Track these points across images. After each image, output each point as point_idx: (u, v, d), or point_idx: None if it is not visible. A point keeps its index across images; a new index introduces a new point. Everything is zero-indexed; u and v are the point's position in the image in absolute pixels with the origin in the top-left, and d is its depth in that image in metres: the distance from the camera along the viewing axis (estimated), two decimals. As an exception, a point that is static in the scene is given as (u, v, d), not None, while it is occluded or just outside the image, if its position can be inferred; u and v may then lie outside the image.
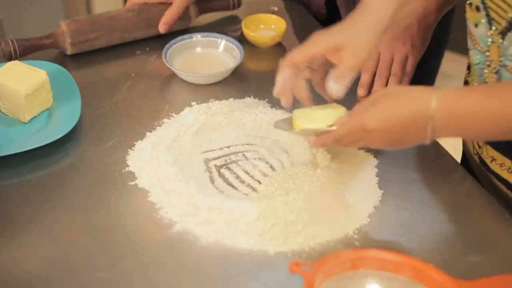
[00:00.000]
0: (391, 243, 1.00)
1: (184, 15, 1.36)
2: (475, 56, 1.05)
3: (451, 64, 1.87)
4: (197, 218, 1.01)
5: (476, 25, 1.02)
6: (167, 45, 1.31)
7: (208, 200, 1.02)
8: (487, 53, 1.02)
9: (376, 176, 1.10)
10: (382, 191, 1.08)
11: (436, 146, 1.16)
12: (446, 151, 1.15)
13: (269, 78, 1.31)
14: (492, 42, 1.00)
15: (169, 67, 1.27)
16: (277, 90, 1.07)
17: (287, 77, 1.06)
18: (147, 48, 1.37)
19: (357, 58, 1.01)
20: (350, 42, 1.01)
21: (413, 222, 1.03)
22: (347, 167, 1.10)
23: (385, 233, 1.02)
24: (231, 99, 1.23)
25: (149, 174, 1.08)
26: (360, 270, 0.91)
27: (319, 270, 0.87)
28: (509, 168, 1.07)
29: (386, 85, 1.26)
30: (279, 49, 1.39)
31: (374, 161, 1.13)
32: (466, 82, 1.15)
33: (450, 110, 0.89)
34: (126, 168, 1.10)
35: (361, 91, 1.24)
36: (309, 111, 1.04)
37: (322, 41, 1.03)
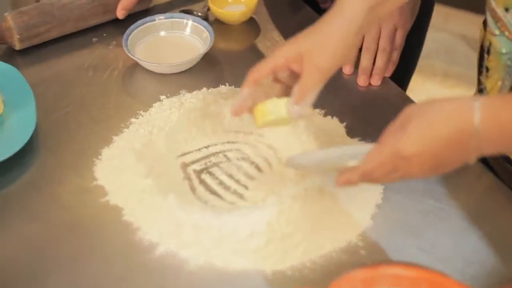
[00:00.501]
0: (400, 249, 0.89)
1: (143, -5, 1.22)
2: (503, 44, 0.92)
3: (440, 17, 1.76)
4: (181, 238, 0.89)
5: (507, 10, 0.88)
6: (127, 31, 1.16)
7: (191, 216, 0.90)
8: None
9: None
10: (383, 186, 0.97)
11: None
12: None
13: (242, 59, 1.20)
14: None
15: (132, 57, 1.13)
16: (233, 110, 0.93)
17: (247, 96, 0.92)
18: (104, 34, 1.22)
19: (319, 69, 0.88)
20: (313, 49, 0.88)
21: (422, 222, 0.93)
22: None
23: (392, 236, 0.91)
24: (204, 89, 1.10)
25: (121, 188, 0.95)
26: (373, 290, 0.81)
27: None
28: None
29: (374, 61, 1.14)
30: (251, 25, 1.25)
31: (370, 151, 1.02)
32: (487, 69, 0.99)
33: (496, 121, 0.75)
34: (94, 182, 0.97)
35: (360, 80, 1.13)
36: (269, 102, 0.91)
37: (284, 50, 0.90)
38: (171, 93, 1.10)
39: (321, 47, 0.89)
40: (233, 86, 1.11)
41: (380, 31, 1.14)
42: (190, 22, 1.19)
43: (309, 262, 0.88)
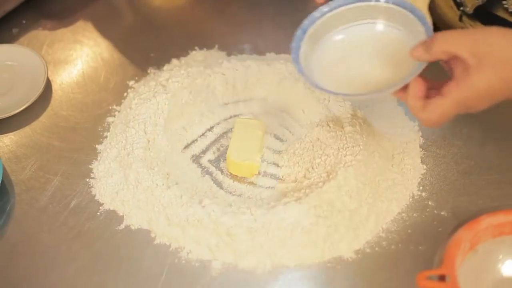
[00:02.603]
0: (465, 188, 0.81)
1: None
2: None
3: None
4: (236, 247, 0.76)
5: None
6: (296, 38, 0.74)
7: (239, 218, 0.76)
8: None
9: (399, 105, 0.89)
10: (416, 123, 0.87)
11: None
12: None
13: (194, 16, 1.03)
14: None
15: (322, 90, 0.74)
16: None
17: None
18: (24, 21, 1.02)
19: None
20: None
21: (474, 151, 0.84)
22: (370, 108, 0.88)
23: (451, 176, 0.82)
24: (174, 60, 0.94)
25: (138, 207, 0.80)
26: (479, 247, 0.73)
27: (449, 272, 0.68)
28: None
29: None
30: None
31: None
32: None
33: None
34: (101, 207, 0.81)
35: None
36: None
37: None
38: (139, 75, 0.93)
39: None
40: (205, 48, 0.96)
41: None
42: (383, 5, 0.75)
43: (383, 233, 0.78)
